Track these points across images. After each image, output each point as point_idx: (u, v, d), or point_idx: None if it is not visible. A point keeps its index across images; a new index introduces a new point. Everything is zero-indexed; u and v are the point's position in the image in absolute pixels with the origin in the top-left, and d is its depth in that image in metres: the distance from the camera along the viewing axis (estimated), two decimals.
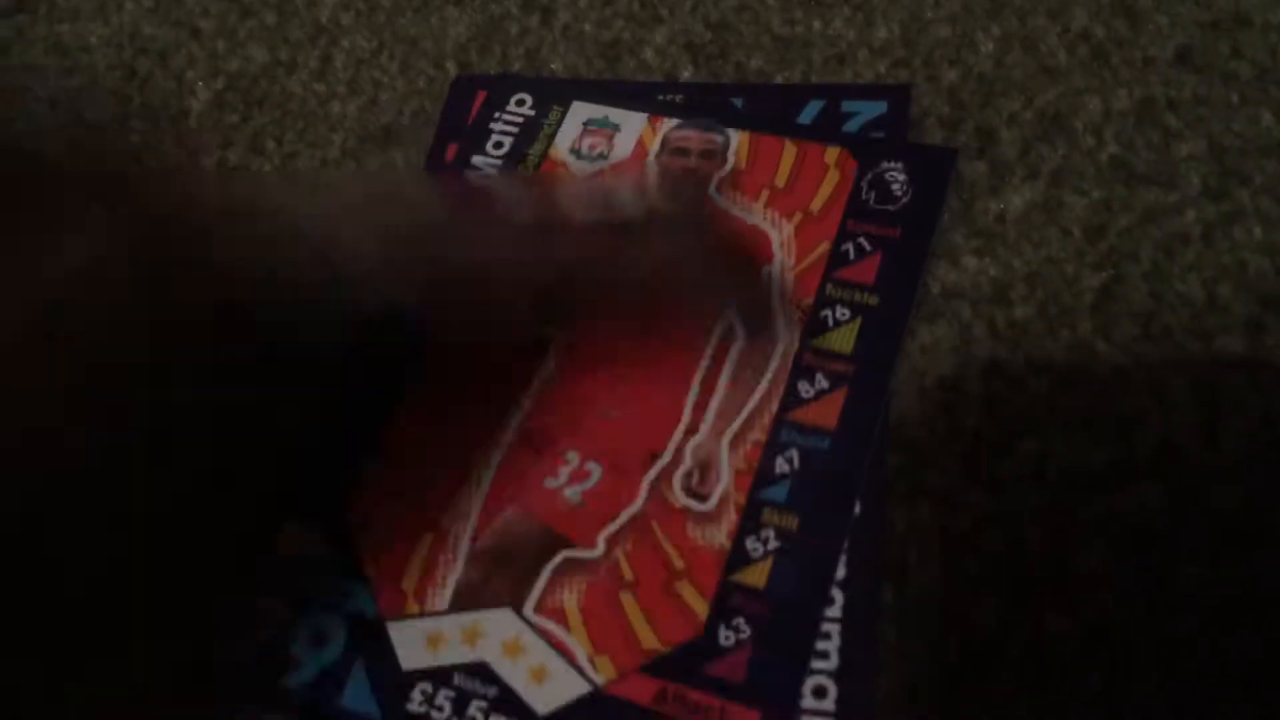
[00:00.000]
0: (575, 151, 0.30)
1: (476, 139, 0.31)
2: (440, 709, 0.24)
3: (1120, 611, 0.22)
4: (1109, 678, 0.22)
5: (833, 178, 0.29)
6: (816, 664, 0.23)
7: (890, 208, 0.28)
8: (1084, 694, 0.22)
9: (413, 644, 0.25)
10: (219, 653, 0.25)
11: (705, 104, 0.31)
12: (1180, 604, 0.22)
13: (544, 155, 0.31)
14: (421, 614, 0.25)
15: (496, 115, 0.31)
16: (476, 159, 0.31)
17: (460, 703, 0.24)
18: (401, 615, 0.25)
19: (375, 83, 0.33)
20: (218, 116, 0.34)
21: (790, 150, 0.29)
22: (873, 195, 0.28)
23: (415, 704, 0.24)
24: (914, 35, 0.29)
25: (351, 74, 0.33)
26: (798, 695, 0.23)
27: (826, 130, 0.29)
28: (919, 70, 0.29)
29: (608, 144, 0.30)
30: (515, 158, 0.31)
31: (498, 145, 0.31)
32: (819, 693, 0.23)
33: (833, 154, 0.29)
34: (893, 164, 0.28)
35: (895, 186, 0.28)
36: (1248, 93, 0.27)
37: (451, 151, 0.31)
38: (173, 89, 0.34)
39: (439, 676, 0.24)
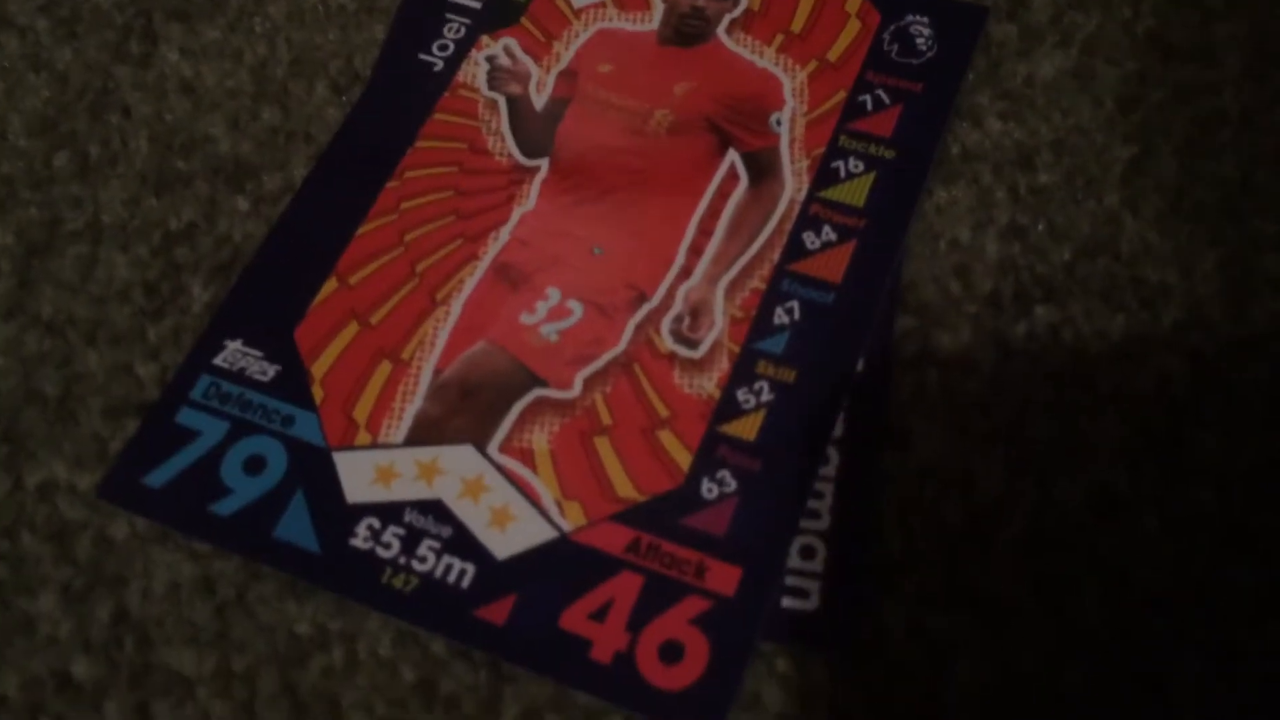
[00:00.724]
0: None
1: None
2: (387, 546, 0.22)
3: (1132, 482, 0.21)
4: (1117, 548, 0.20)
5: (853, 27, 0.26)
6: (806, 523, 0.21)
7: (914, 61, 0.26)
8: (1090, 565, 0.20)
9: (361, 476, 0.22)
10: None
11: None
12: (1196, 476, 0.21)
13: None
14: (374, 445, 0.23)
15: None
16: None
17: (410, 541, 0.22)
18: (351, 445, 0.23)
19: None
20: None
21: None
22: (895, 47, 0.26)
23: (359, 539, 0.22)
24: None
25: None
26: (784, 553, 0.21)
27: None
28: None
29: None
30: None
31: None
32: (807, 553, 0.21)
33: (854, 3, 0.27)
34: (918, 17, 0.26)
35: (920, 40, 0.26)
36: None
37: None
38: None
39: (388, 512, 0.22)
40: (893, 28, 0.26)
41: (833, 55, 0.26)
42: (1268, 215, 0.23)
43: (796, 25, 0.27)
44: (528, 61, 0.27)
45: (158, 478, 0.23)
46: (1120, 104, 0.25)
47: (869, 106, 0.25)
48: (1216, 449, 0.21)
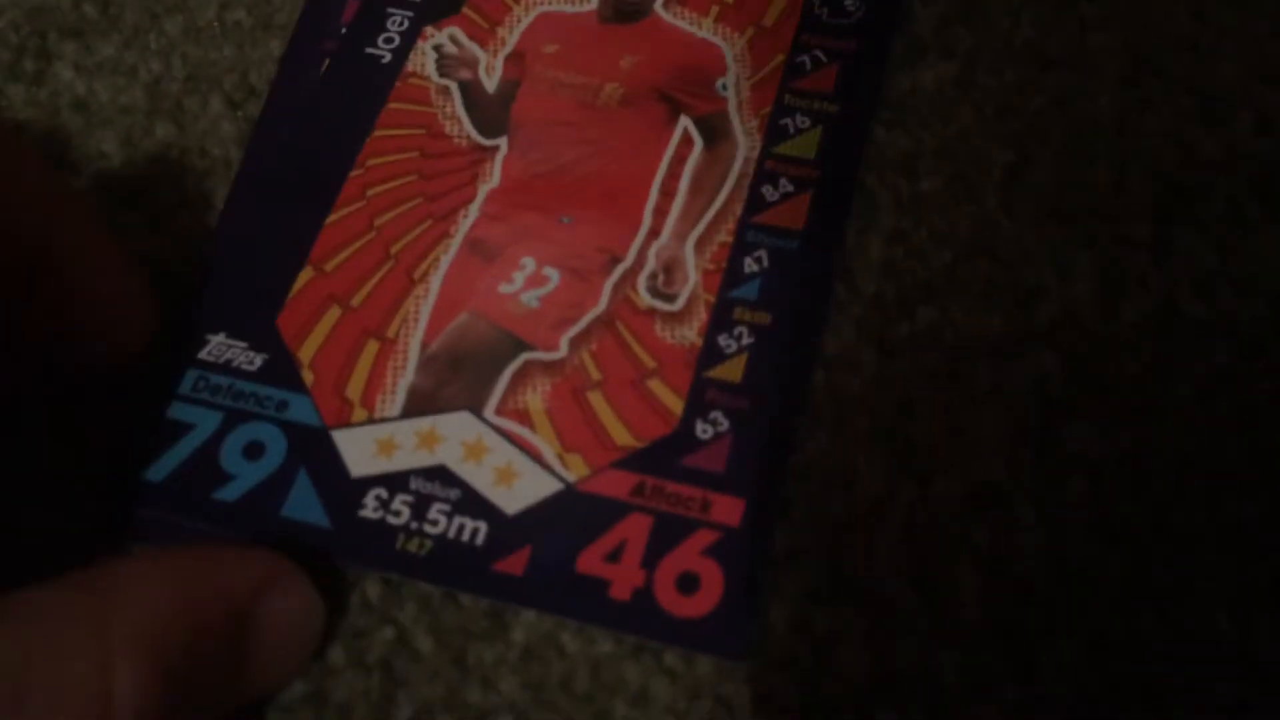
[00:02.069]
0: None
1: None
2: (397, 514, 0.22)
3: (1009, 476, 0.22)
4: (994, 540, 0.22)
5: None
6: None
7: (845, 21, 0.27)
8: (968, 557, 0.21)
9: (362, 450, 0.23)
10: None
11: None
12: (1069, 468, 0.22)
13: None
14: (370, 420, 0.23)
15: None
16: None
17: (420, 506, 0.22)
18: (348, 423, 0.23)
19: None
20: None
21: None
22: (825, 10, 0.27)
23: (369, 510, 0.22)
24: None
25: None
26: (782, 481, 0.22)
27: None
28: None
29: None
30: None
31: None
32: None
33: None
34: None
35: (848, 2, 0.27)
36: None
37: None
38: None
39: (394, 481, 0.22)
40: None
41: (768, 21, 0.27)
42: (1138, 218, 0.24)
43: None
44: (473, 48, 0.28)
45: (158, 471, 0.23)
46: (999, 112, 0.26)
47: (808, 66, 0.27)
48: (1089, 442, 0.22)
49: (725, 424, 0.23)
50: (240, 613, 0.19)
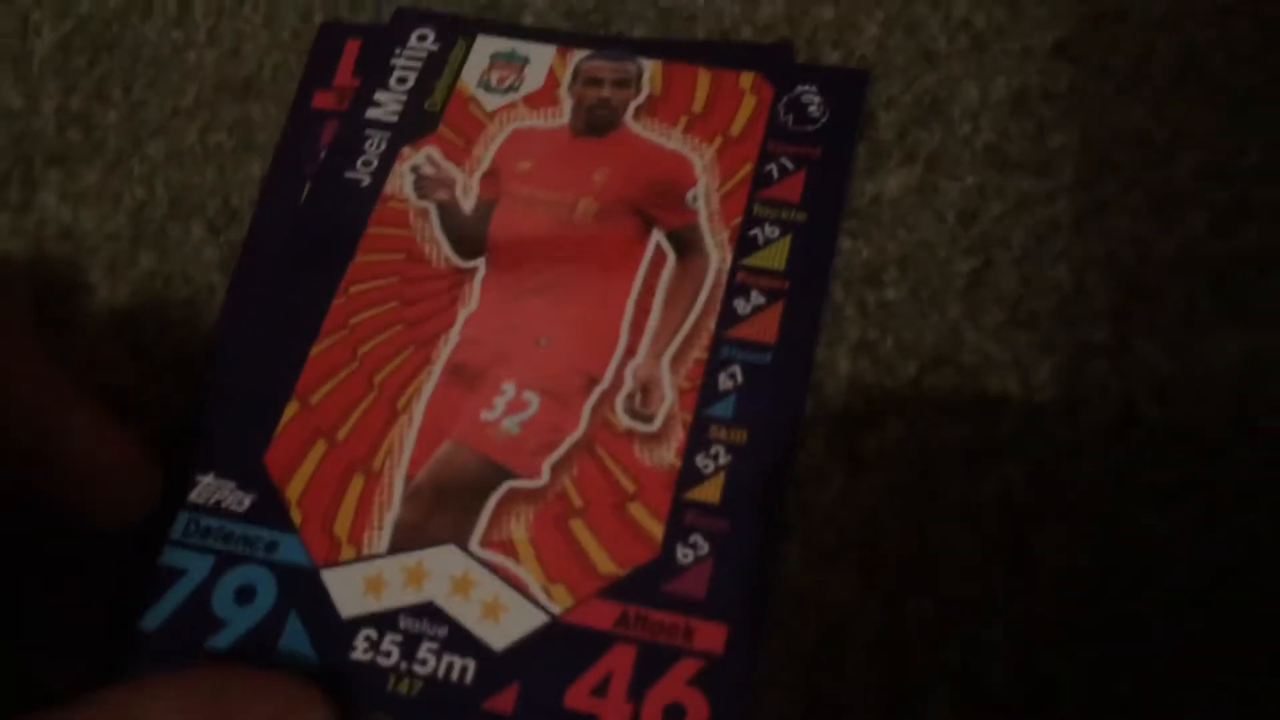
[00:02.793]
0: (484, 84, 0.29)
1: (379, 74, 0.30)
2: (387, 654, 0.23)
3: (979, 591, 0.22)
4: (966, 655, 0.22)
5: (749, 102, 0.28)
6: None
7: (809, 128, 0.28)
8: (941, 671, 0.22)
9: (351, 590, 0.23)
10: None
11: (614, 38, 0.30)
12: (1037, 582, 0.22)
13: (451, 89, 0.29)
14: (358, 558, 0.24)
15: (398, 50, 0.30)
16: (380, 94, 0.30)
17: (409, 645, 0.23)
18: (336, 562, 0.24)
19: (237, 33, 0.31)
20: (62, 60, 0.32)
21: (704, 77, 0.29)
22: (791, 117, 0.28)
23: (359, 651, 0.23)
24: (798, 14, 0.29)
25: (213, 22, 0.32)
26: (765, 603, 0.23)
27: (739, 55, 0.29)
28: (802, 50, 0.29)
29: (517, 76, 0.30)
30: (421, 92, 0.29)
31: (401, 80, 0.30)
32: None
33: (747, 79, 0.29)
34: (808, 87, 0.28)
35: (812, 108, 0.28)
36: (1122, 85, 0.27)
37: (320, 100, 0.30)
38: (15, 28, 0.32)
39: (383, 621, 0.23)
40: (785, 99, 0.28)
41: (735, 130, 0.28)
42: (1096, 321, 0.25)
43: (697, 106, 0.28)
44: (450, 167, 0.28)
45: (153, 620, 0.23)
46: (961, 218, 0.26)
47: (775, 175, 0.27)
48: (1055, 554, 0.22)
49: (705, 547, 0.23)
50: None
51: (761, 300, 0.26)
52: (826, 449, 0.24)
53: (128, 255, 0.29)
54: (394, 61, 0.30)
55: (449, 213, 0.28)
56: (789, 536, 0.23)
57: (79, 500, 0.22)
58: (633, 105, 0.29)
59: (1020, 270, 0.26)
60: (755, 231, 0.27)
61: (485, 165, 0.28)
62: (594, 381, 0.25)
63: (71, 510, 0.22)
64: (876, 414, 0.24)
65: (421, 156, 0.29)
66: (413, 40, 0.30)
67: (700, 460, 0.24)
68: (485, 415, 0.25)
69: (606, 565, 0.23)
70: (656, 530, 0.23)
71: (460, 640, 0.22)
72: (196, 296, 0.28)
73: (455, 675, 0.22)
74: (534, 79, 0.29)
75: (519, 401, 0.25)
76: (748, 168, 0.27)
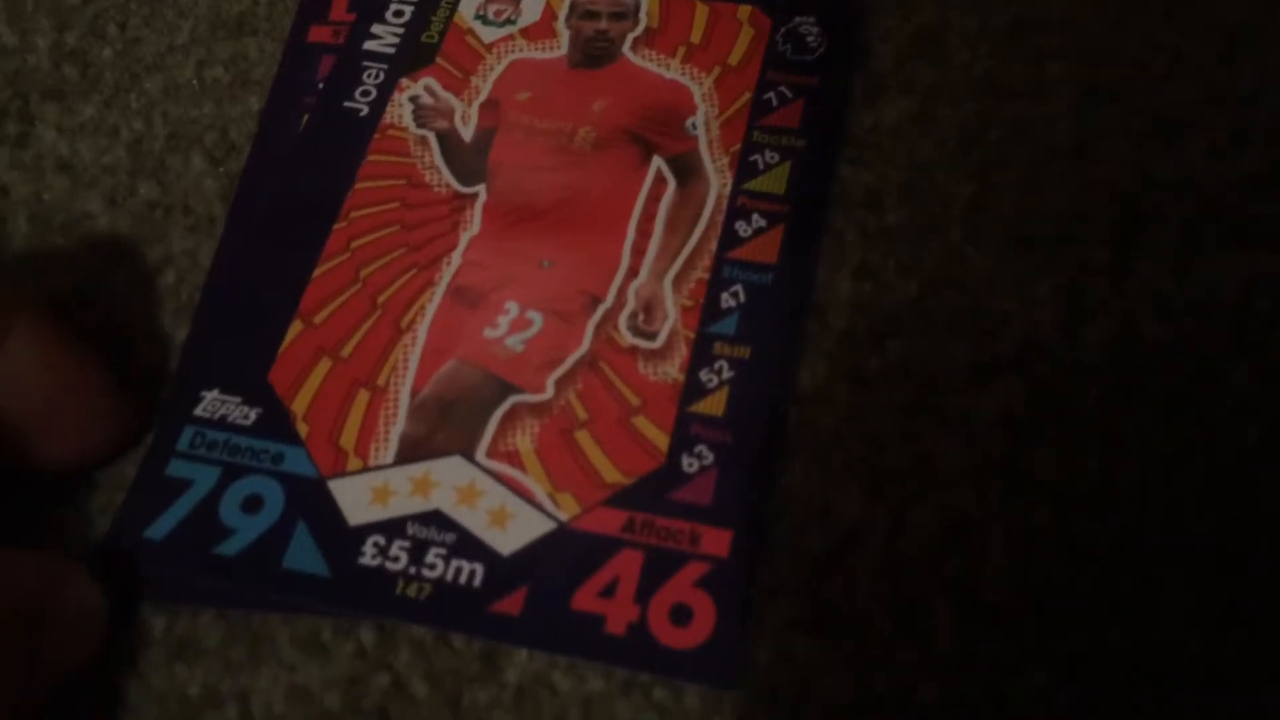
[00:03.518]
0: (480, 16, 0.30)
1: (375, 8, 0.30)
2: (396, 559, 0.23)
3: (978, 504, 0.23)
4: (965, 567, 0.22)
5: (747, 33, 0.29)
6: None
7: (807, 58, 0.28)
8: (940, 585, 0.22)
9: (358, 499, 0.23)
10: None
11: None
12: (1035, 495, 0.23)
13: (448, 22, 0.30)
14: (366, 469, 0.24)
15: None
16: (376, 28, 0.30)
17: (417, 551, 0.23)
18: (343, 473, 0.24)
19: None
20: None
21: (702, 10, 0.29)
22: (789, 47, 0.28)
23: (368, 557, 0.23)
24: None
25: None
26: (766, 512, 0.23)
27: None
28: None
29: (514, 9, 0.30)
30: (418, 26, 0.30)
31: (397, 14, 0.30)
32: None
33: (744, 12, 0.29)
34: (805, 18, 0.29)
35: (810, 38, 0.28)
36: (1120, 14, 0.28)
37: (316, 34, 0.30)
38: None
39: (391, 528, 0.23)
40: (783, 30, 0.29)
41: (733, 60, 0.28)
42: (1097, 243, 0.25)
43: (695, 37, 0.29)
44: (449, 98, 0.29)
45: (159, 529, 0.23)
46: (960, 144, 0.27)
47: (774, 103, 0.28)
48: (1054, 468, 0.23)
49: (710, 457, 0.23)
50: (34, 608, 0.20)
51: (763, 223, 0.26)
52: (829, 369, 0.25)
53: (127, 187, 0.29)
54: None
55: (449, 141, 0.28)
56: (793, 453, 0.24)
57: (42, 437, 0.22)
58: (630, 37, 0.29)
59: (1020, 194, 0.26)
60: (755, 157, 0.27)
61: (484, 95, 0.29)
62: (597, 301, 0.25)
63: (31, 449, 0.22)
64: (878, 334, 0.25)
65: (420, 87, 0.29)
66: None
67: (704, 375, 0.24)
68: (489, 333, 0.25)
69: (612, 474, 0.23)
70: (662, 441, 0.24)
71: (468, 546, 0.23)
72: (198, 226, 0.28)
73: (464, 579, 0.22)
74: (531, 12, 0.30)
75: (522, 320, 0.25)
76: (746, 96, 0.28)
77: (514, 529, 0.23)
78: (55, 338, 0.23)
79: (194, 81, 0.30)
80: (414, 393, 0.25)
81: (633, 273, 0.26)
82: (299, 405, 0.25)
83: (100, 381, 0.23)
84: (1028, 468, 0.23)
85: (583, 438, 0.24)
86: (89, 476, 0.25)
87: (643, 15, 0.29)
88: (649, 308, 0.25)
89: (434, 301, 0.26)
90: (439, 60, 0.29)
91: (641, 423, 0.24)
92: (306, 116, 0.29)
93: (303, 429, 0.24)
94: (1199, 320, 0.24)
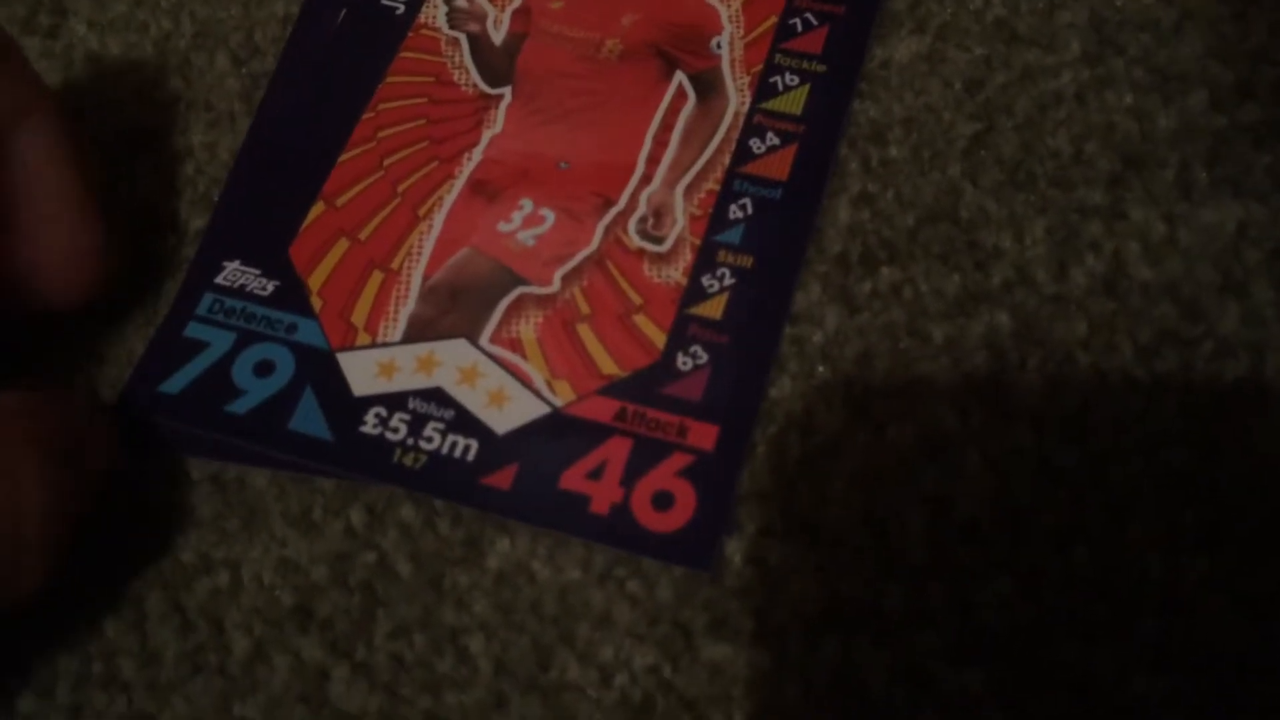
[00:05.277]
0: None
1: None
2: (395, 430, 0.24)
3: (959, 423, 0.23)
4: (941, 483, 0.23)
5: None
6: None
7: None
8: (915, 499, 0.23)
9: (365, 371, 0.24)
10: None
11: None
12: (1016, 418, 0.23)
13: None
14: (373, 345, 0.25)
15: None
16: None
17: (416, 424, 0.24)
18: (352, 346, 0.25)
19: None
20: None
21: None
22: None
23: (369, 426, 0.24)
24: None
25: None
26: (755, 412, 0.24)
27: None
28: None
29: None
30: None
31: None
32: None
33: None
34: None
35: None
36: None
37: None
38: None
39: (393, 401, 0.24)
40: None
41: None
42: (1093, 186, 0.26)
43: None
44: (483, 2, 0.29)
45: (174, 385, 0.24)
46: (967, 85, 0.27)
47: (799, 28, 0.28)
48: (1035, 394, 0.24)
49: (704, 357, 0.24)
50: (79, 439, 0.21)
51: (776, 141, 0.27)
52: (822, 291, 0.25)
53: (153, 81, 0.29)
54: None
55: (479, 43, 0.29)
56: (782, 367, 0.24)
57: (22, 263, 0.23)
58: None
59: (1021, 136, 0.27)
60: (775, 79, 0.28)
61: (517, 2, 0.29)
62: (609, 203, 0.26)
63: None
64: (873, 260, 0.26)
65: None
66: None
67: (706, 280, 0.25)
68: (503, 226, 0.26)
69: (609, 366, 0.24)
70: (659, 339, 0.24)
71: (465, 422, 0.24)
72: (219, 122, 0.29)
73: (458, 453, 0.23)
74: None
75: (536, 216, 0.26)
76: (773, 19, 0.28)
77: (510, 410, 0.24)
78: (67, 137, 0.23)
79: None
80: (426, 277, 0.26)
81: (646, 179, 0.27)
82: (315, 281, 0.26)
83: (93, 200, 0.24)
84: (1008, 393, 0.24)
85: (583, 330, 0.25)
86: (106, 333, 0.26)
87: None
88: (659, 213, 0.26)
89: (452, 193, 0.27)
90: None
91: (641, 320, 0.25)
92: (344, 11, 0.30)
93: (317, 303, 0.25)
94: (1187, 264, 0.25)
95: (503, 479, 0.23)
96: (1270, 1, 0.27)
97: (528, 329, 0.25)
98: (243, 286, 0.25)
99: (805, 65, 0.28)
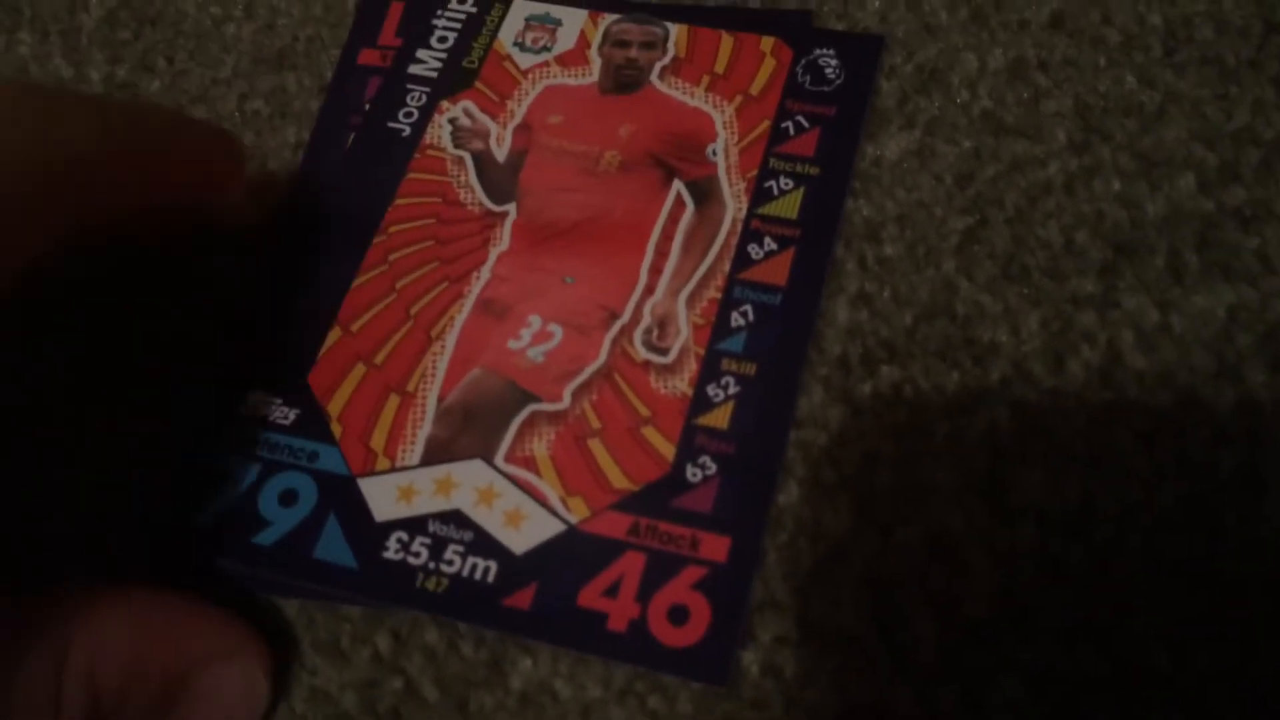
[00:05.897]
0: (519, 44, 0.31)
1: (421, 33, 0.32)
2: (417, 555, 0.25)
3: (963, 523, 0.24)
4: (948, 583, 0.23)
5: (769, 64, 0.30)
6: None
7: (825, 89, 0.29)
8: (924, 600, 0.23)
9: (385, 497, 0.25)
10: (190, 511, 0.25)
11: (643, 3, 0.32)
12: (1019, 516, 0.24)
13: (488, 48, 0.31)
14: (393, 469, 0.26)
15: (439, 12, 0.32)
16: (421, 52, 0.32)
17: (437, 547, 0.25)
18: (373, 472, 0.26)
19: (272, 8, 0.33)
20: (109, 33, 0.34)
21: (727, 41, 0.31)
22: (808, 78, 0.30)
23: (391, 551, 0.25)
24: None
25: None
26: (763, 522, 0.24)
27: (761, 20, 0.31)
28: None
29: (550, 38, 0.31)
30: (460, 51, 0.31)
31: (441, 40, 0.32)
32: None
33: (768, 43, 0.30)
34: (825, 50, 0.30)
35: (829, 70, 0.30)
36: (1114, 56, 0.29)
37: (365, 57, 0.32)
38: (65, 4, 0.34)
39: (414, 525, 0.25)
40: (804, 61, 0.30)
41: (754, 90, 0.30)
42: (1085, 275, 0.26)
43: (720, 67, 0.30)
44: (485, 120, 0.30)
45: (203, 518, 0.25)
46: (958, 179, 0.28)
47: (791, 131, 0.29)
48: (1036, 489, 0.24)
49: (713, 468, 0.25)
50: (182, 674, 0.21)
51: (774, 246, 0.27)
52: (825, 393, 0.26)
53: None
54: (435, 22, 0.32)
55: (483, 161, 0.30)
56: (789, 473, 0.25)
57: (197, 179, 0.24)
58: (658, 66, 0.30)
59: (1013, 229, 0.27)
60: (770, 183, 0.28)
61: (518, 119, 0.30)
62: (614, 316, 0.27)
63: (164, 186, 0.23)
64: (873, 361, 0.26)
65: (459, 109, 0.31)
66: (453, 3, 0.32)
67: (711, 390, 0.26)
68: (512, 344, 0.27)
69: (621, 480, 0.25)
70: (668, 451, 0.25)
71: (484, 544, 0.24)
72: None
73: (479, 575, 0.24)
74: (566, 40, 0.31)
75: (544, 333, 0.27)
76: (765, 124, 0.29)
77: (527, 529, 0.25)
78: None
79: (236, 114, 0.32)
80: (440, 398, 0.26)
81: (649, 290, 0.27)
82: (334, 407, 0.26)
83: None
84: (1011, 489, 0.24)
85: (595, 445, 0.26)
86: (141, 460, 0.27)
87: (671, 45, 0.31)
88: (663, 324, 0.27)
89: (463, 313, 0.28)
90: (478, 84, 0.31)
91: (650, 433, 0.26)
92: (353, 136, 0.31)
93: (337, 430, 0.26)
94: (1181, 351, 0.25)
95: (523, 599, 0.24)
96: (1251, 81, 0.28)
97: (541, 446, 0.26)
98: (265, 416, 0.26)
99: (799, 168, 0.28)
